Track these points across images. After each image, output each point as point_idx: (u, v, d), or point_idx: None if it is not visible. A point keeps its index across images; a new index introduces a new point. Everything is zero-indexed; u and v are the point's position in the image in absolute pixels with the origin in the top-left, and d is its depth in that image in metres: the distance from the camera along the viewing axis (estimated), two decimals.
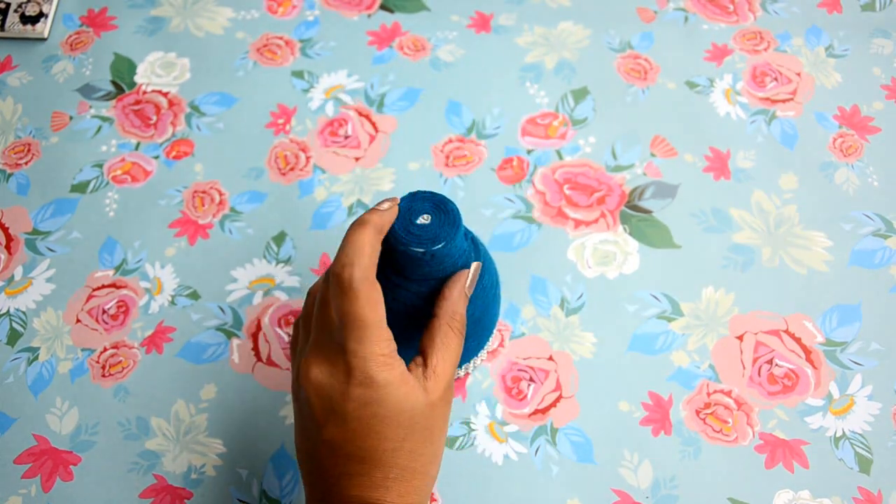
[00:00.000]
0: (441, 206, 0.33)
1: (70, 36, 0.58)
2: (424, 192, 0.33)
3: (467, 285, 0.34)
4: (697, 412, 0.43)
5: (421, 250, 0.32)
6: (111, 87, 0.56)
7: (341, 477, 0.30)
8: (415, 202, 0.33)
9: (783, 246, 0.48)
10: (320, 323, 0.31)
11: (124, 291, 0.48)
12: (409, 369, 0.31)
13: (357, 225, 0.30)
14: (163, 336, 0.46)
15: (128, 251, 0.49)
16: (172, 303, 0.47)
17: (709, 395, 0.44)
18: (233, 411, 0.44)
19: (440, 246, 0.32)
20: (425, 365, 0.31)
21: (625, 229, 0.49)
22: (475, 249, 0.36)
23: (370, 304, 0.29)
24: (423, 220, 0.32)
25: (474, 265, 0.34)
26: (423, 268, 0.33)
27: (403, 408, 0.30)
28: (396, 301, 0.34)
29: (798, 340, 0.45)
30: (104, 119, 0.55)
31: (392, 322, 0.33)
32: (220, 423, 0.44)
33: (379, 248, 0.31)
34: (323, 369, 0.30)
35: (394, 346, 0.30)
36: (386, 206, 0.32)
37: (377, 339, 0.29)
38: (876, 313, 0.46)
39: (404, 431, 0.30)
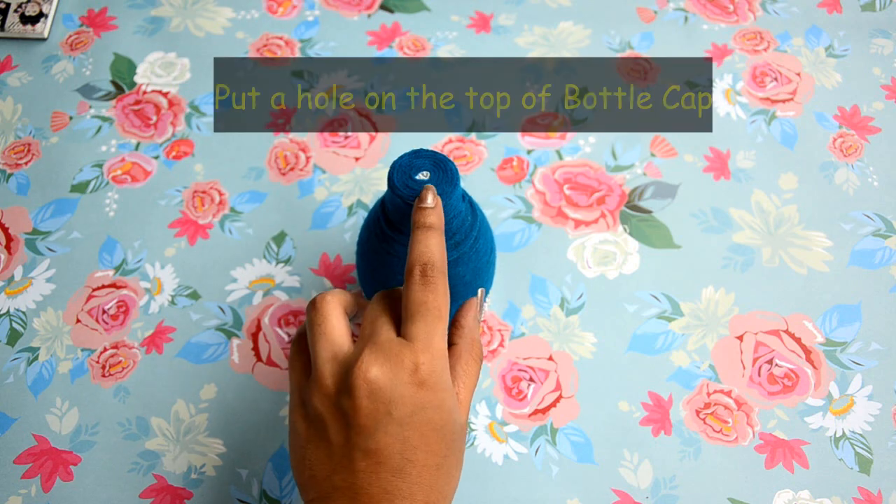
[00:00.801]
0: (440, 165, 0.34)
1: (70, 36, 0.58)
2: (426, 150, 0.34)
3: (478, 312, 0.34)
4: (697, 412, 0.43)
5: None
6: (111, 87, 0.56)
7: (381, 497, 0.28)
8: (416, 159, 0.34)
9: (783, 246, 0.48)
10: (370, 334, 0.30)
11: (124, 291, 0.48)
12: None
13: (426, 228, 0.31)
14: (163, 336, 0.46)
15: (128, 251, 0.49)
16: (172, 303, 0.47)
17: (709, 395, 0.44)
18: (233, 411, 0.44)
19: None
20: None
21: (625, 229, 0.49)
22: (472, 213, 0.37)
23: (446, 297, 0.30)
24: (423, 176, 0.34)
25: (480, 291, 0.35)
26: None
27: (451, 418, 0.29)
28: (390, 254, 0.36)
29: (798, 340, 0.45)
30: (104, 119, 0.55)
31: (385, 272, 0.36)
32: (220, 423, 0.44)
33: (445, 247, 0.32)
34: (384, 369, 0.28)
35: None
36: (431, 200, 0.32)
37: (444, 334, 0.30)
38: (876, 313, 0.46)
39: (447, 447, 0.29)
